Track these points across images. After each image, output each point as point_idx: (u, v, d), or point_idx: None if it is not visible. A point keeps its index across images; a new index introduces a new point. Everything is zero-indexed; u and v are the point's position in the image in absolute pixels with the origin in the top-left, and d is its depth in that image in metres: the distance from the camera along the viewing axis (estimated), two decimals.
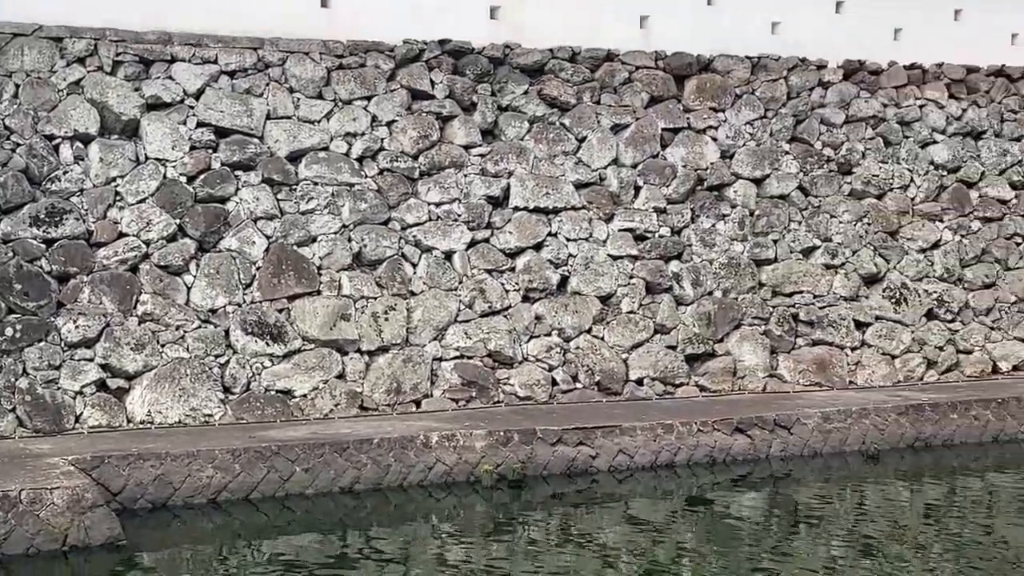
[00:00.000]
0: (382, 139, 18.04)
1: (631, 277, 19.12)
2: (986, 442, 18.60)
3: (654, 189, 19.46)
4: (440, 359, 17.82)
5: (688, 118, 19.89)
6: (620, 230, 19.19)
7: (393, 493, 15.42)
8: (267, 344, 16.87)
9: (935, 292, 20.95)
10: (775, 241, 20.13)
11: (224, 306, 16.80)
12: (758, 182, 20.20)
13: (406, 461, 15.50)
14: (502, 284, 18.39)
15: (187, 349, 16.52)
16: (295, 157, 17.53)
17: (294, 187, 17.42)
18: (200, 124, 17.03)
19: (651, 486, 16.37)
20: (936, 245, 21.22)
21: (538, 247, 18.69)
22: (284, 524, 14.40)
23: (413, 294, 17.88)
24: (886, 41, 21.47)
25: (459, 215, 18.26)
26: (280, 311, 17.07)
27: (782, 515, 15.51)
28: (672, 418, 17.14)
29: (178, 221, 16.76)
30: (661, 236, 19.41)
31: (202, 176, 16.98)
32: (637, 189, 19.45)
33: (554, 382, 18.31)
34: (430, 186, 18.20)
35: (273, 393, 16.86)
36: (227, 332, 16.76)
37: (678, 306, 19.35)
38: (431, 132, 18.28)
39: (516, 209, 18.63)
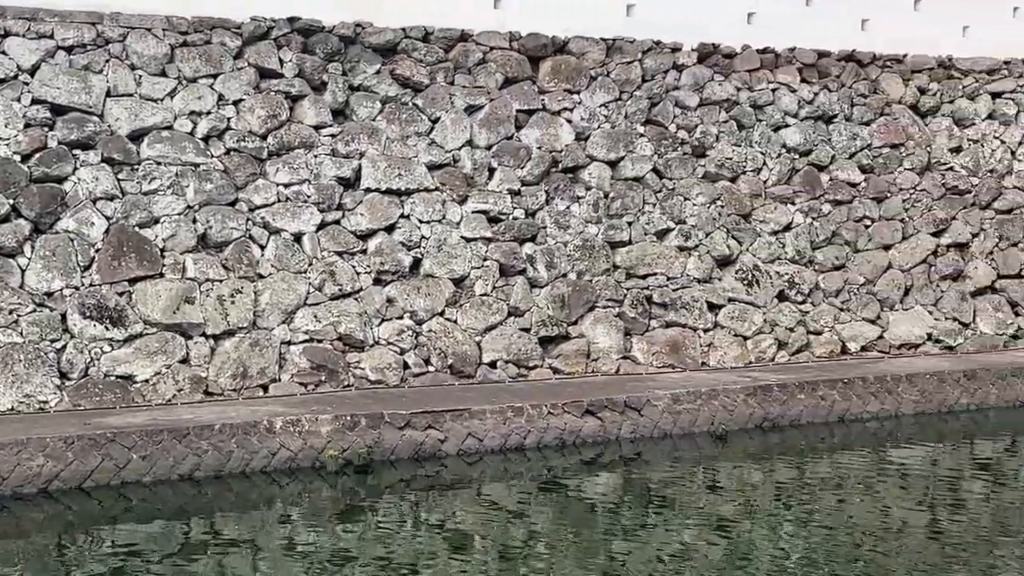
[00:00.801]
0: (229, 118, 17.63)
1: (485, 259, 19.00)
2: (832, 422, 18.90)
3: (508, 171, 19.36)
4: (289, 343, 17.52)
5: (543, 100, 19.82)
6: (474, 212, 19.06)
7: (235, 480, 15.12)
8: (107, 328, 16.39)
9: (786, 274, 21.22)
10: (629, 223, 20.19)
11: (61, 289, 16.28)
12: (613, 164, 20.22)
13: (249, 447, 15.20)
14: (353, 266, 18.14)
15: (21, 334, 15.98)
16: (137, 136, 17.04)
17: (136, 167, 16.94)
18: (35, 101, 16.45)
19: (501, 469, 16.32)
20: (788, 227, 21.49)
21: (390, 229, 18.47)
22: (120, 513, 14.05)
23: (261, 277, 17.54)
24: (740, 25, 21.63)
25: (309, 196, 17.95)
26: (121, 294, 16.60)
27: (635, 496, 15.60)
28: (523, 401, 17.10)
29: (11, 201, 16.18)
30: (515, 218, 19.33)
31: (37, 155, 16.41)
32: (491, 171, 19.33)
33: (406, 366, 18.13)
34: (279, 167, 17.85)
35: (113, 379, 16.40)
36: (64, 316, 16.24)
37: (532, 288, 19.30)
38: (280, 112, 17.93)
39: (368, 191, 18.38)
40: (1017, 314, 22.89)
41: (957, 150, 23.18)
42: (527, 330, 19.08)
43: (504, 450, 16.66)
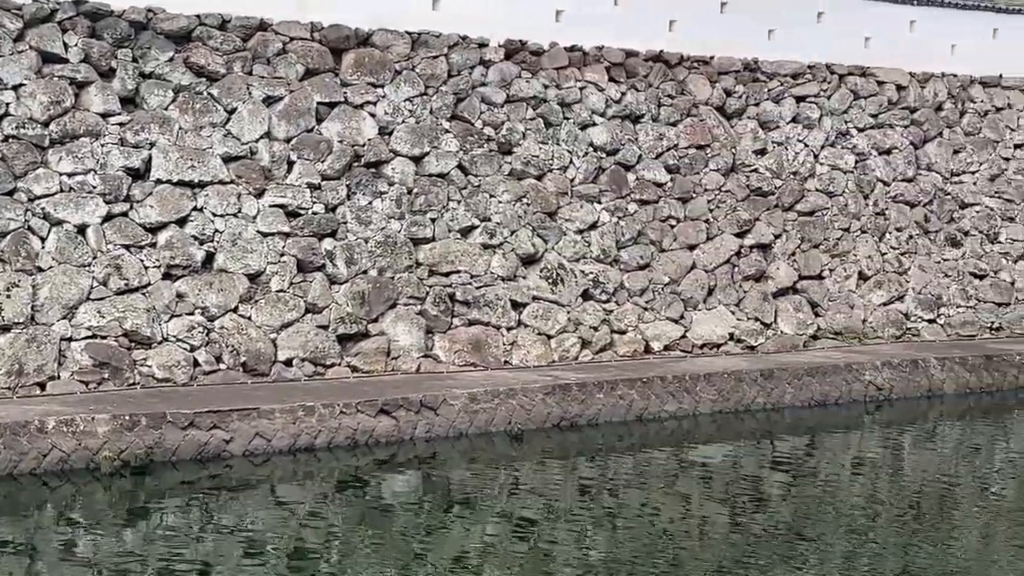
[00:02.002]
0: (8, 104, 16.82)
1: (282, 255, 18.53)
2: (631, 421, 18.93)
3: (308, 164, 18.92)
4: (70, 339, 16.79)
5: (345, 93, 19.42)
6: (271, 206, 18.56)
7: (2, 482, 14.38)
8: None
9: (591, 273, 21.22)
10: (433, 220, 19.92)
11: None
12: (417, 160, 19.94)
13: (18, 448, 14.50)
14: (141, 260, 17.49)
15: None
16: None
17: None
18: None
19: (290, 470, 15.92)
20: (593, 226, 21.49)
21: (182, 222, 17.87)
22: None
23: (40, 270, 16.77)
24: (548, 22, 21.55)
25: (94, 187, 17.24)
26: None
27: (434, 497, 15.44)
28: (315, 400, 16.69)
29: None
30: (314, 213, 18.90)
31: None
32: (290, 164, 18.86)
33: (196, 363, 17.54)
34: (62, 155, 17.10)
35: None
36: None
37: (331, 285, 18.89)
38: (64, 98, 17.18)
39: (158, 182, 17.75)
40: (817, 315, 23.32)
41: (761, 152, 23.51)
42: (325, 327, 18.66)
43: (293, 451, 16.24)
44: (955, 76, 25.89)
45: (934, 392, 21.79)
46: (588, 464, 17.25)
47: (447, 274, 19.89)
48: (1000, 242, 25.81)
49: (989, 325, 25.04)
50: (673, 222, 22.34)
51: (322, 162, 19.05)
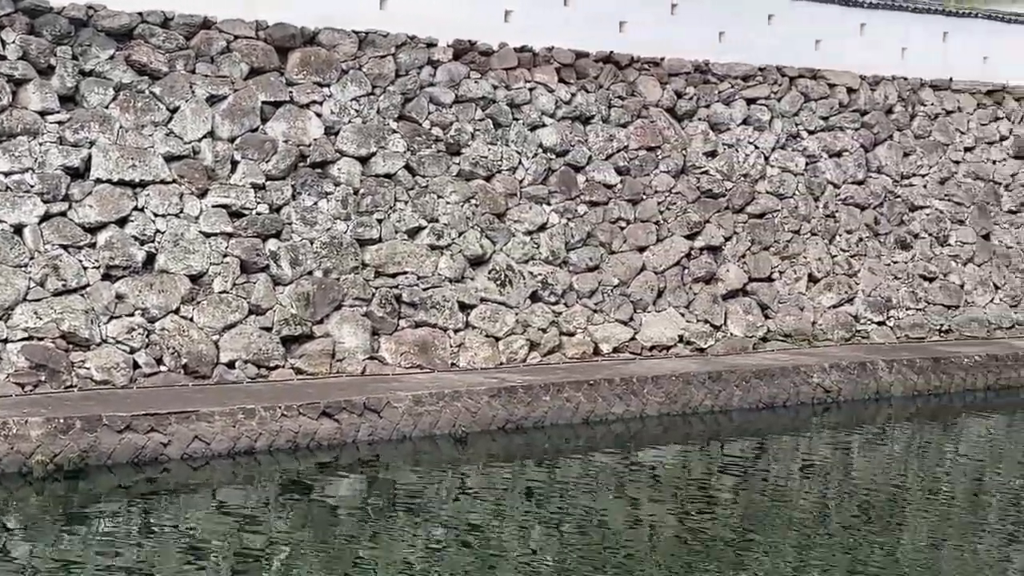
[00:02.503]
0: None
1: (225, 255, 18.30)
2: (577, 423, 18.81)
3: (252, 164, 18.70)
4: (5, 341, 16.49)
5: (291, 92, 19.21)
6: (214, 206, 18.33)
7: None
8: None
9: (540, 275, 21.09)
10: (380, 221, 19.74)
11: None
12: (363, 160, 19.76)
13: None
14: (80, 261, 17.21)
15: None
16: None
17: None
18: None
19: (230, 474, 15.71)
20: (543, 228, 21.36)
21: (122, 222, 17.61)
22: None
23: None
24: (497, 23, 21.43)
25: (32, 186, 16.96)
26: None
27: (379, 501, 15.27)
28: (256, 402, 16.48)
29: None
30: (259, 213, 18.68)
31: None
32: (234, 164, 18.63)
33: (136, 365, 17.27)
34: None
35: None
36: None
37: (275, 286, 18.67)
38: (1, 96, 16.89)
39: (98, 181, 17.48)
40: (767, 317, 23.29)
41: (712, 154, 23.46)
42: (269, 329, 18.44)
43: (233, 454, 16.02)
44: (905, 79, 25.96)
45: (882, 395, 21.79)
46: (535, 468, 17.11)
47: (394, 275, 19.71)
48: (950, 245, 25.88)
49: (938, 328, 25.10)
50: (623, 224, 22.25)
51: (267, 162, 18.83)
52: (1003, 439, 20.61)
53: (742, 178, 23.69)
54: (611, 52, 22.45)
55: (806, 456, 18.71)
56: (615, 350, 21.49)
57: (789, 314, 23.49)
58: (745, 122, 23.94)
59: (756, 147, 23.98)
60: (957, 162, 26.47)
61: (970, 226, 26.22)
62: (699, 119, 23.42)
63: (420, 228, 20.08)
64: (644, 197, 22.52)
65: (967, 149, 26.66)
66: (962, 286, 25.71)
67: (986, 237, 26.34)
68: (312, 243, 19.02)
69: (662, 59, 23.02)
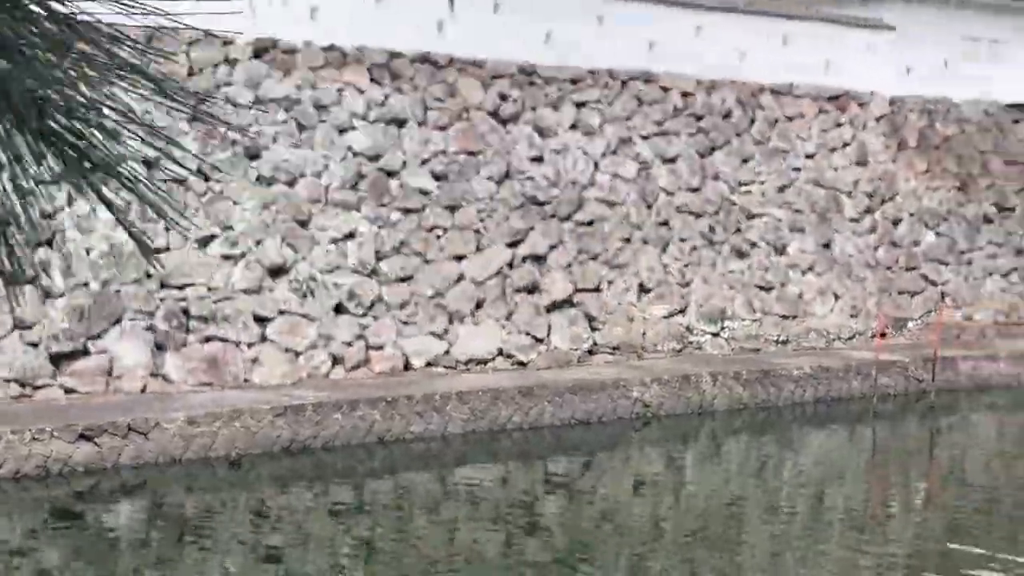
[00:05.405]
0: None
1: None
2: (371, 443, 17.74)
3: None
4: None
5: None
6: None
7: None
8: None
9: (346, 285, 20.00)
10: (167, 228, 18.53)
11: None
12: (149, 164, 18.49)
13: None
14: None
15: None
16: None
17: None
18: None
19: None
20: (351, 236, 20.29)
21: None
22: None
23: None
24: (303, 20, 20.35)
25: None
26: None
27: (161, 529, 14.29)
28: (5, 425, 15.17)
29: None
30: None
31: None
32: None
33: None
34: None
35: None
36: None
37: (45, 298, 17.38)
38: None
39: None
40: (594, 329, 22.40)
41: (538, 160, 22.57)
42: (36, 345, 17.13)
43: None
44: (744, 84, 25.30)
45: (705, 408, 20.96)
46: (337, 489, 16.13)
47: (181, 287, 18.50)
48: (788, 254, 25.23)
49: (775, 339, 24.41)
50: (439, 232, 21.24)
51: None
52: (826, 453, 19.89)
53: (570, 184, 22.81)
54: (428, 52, 21.47)
55: (622, 473, 17.85)
56: (428, 364, 20.44)
57: (617, 325, 22.62)
58: (574, 127, 23.09)
59: (585, 153, 23.13)
60: (797, 169, 25.85)
61: (810, 234, 25.60)
62: (524, 123, 22.52)
63: (212, 236, 18.90)
64: (463, 204, 21.54)
65: (808, 156, 26.06)
66: (800, 296, 25.07)
67: (826, 246, 25.75)
68: (89, 252, 17.75)
69: (485, 60, 22.08)
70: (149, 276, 18.25)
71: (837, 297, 25.53)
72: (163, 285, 18.37)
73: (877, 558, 13.74)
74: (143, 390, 17.72)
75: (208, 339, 18.53)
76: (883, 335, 24.71)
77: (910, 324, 26.18)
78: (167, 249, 18.49)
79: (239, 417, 16.68)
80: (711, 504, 16.12)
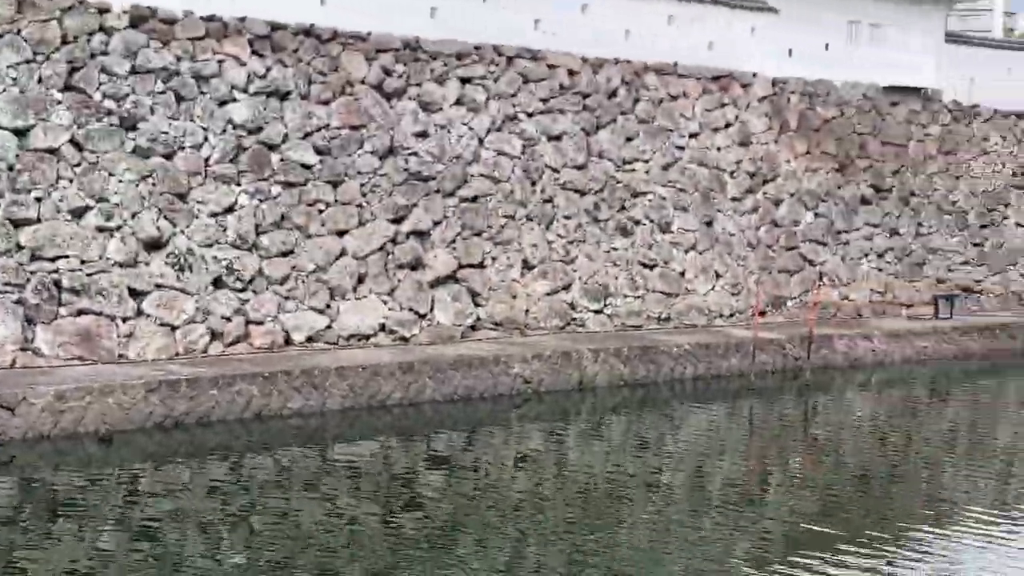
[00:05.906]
0: None
1: None
2: (248, 419, 17.55)
3: None
4: None
5: None
6: None
7: None
8: None
9: (225, 259, 19.72)
10: (38, 199, 18.11)
11: None
12: (21, 133, 18.07)
13: None
14: None
15: None
16: None
17: None
18: None
19: None
20: (230, 209, 19.99)
21: None
22: None
23: None
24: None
25: None
26: None
27: (31, 505, 14.01)
28: None
29: None
30: None
31: None
32: None
33: None
34: None
35: None
36: None
37: None
38: None
39: None
40: (477, 304, 22.39)
41: (422, 135, 22.45)
42: None
43: None
44: (629, 62, 25.41)
45: (586, 385, 21.10)
46: (213, 465, 15.88)
47: (53, 259, 18.09)
48: (672, 232, 25.46)
49: (657, 316, 24.65)
50: (322, 206, 21.03)
51: None
52: (704, 429, 20.13)
53: (454, 160, 22.73)
54: (312, 25, 21.22)
55: (501, 449, 17.86)
56: (309, 340, 20.27)
57: (500, 302, 22.64)
58: (459, 102, 23.00)
59: (470, 128, 23.06)
60: (681, 148, 26.07)
61: (693, 213, 25.86)
62: (409, 98, 22.37)
63: (86, 208, 18.50)
64: (346, 179, 21.35)
65: (692, 135, 26.30)
66: (683, 274, 25.32)
67: (709, 224, 26.04)
68: None
69: (368, 34, 21.88)
70: (20, 248, 17.80)
71: (718, 275, 25.85)
72: (34, 257, 17.93)
73: (752, 535, 13.94)
74: (12, 364, 17.31)
75: (81, 312, 18.15)
76: (762, 313, 25.11)
77: (789, 303, 26.63)
78: (38, 220, 18.05)
79: (111, 393, 16.39)
80: (591, 480, 16.22)
